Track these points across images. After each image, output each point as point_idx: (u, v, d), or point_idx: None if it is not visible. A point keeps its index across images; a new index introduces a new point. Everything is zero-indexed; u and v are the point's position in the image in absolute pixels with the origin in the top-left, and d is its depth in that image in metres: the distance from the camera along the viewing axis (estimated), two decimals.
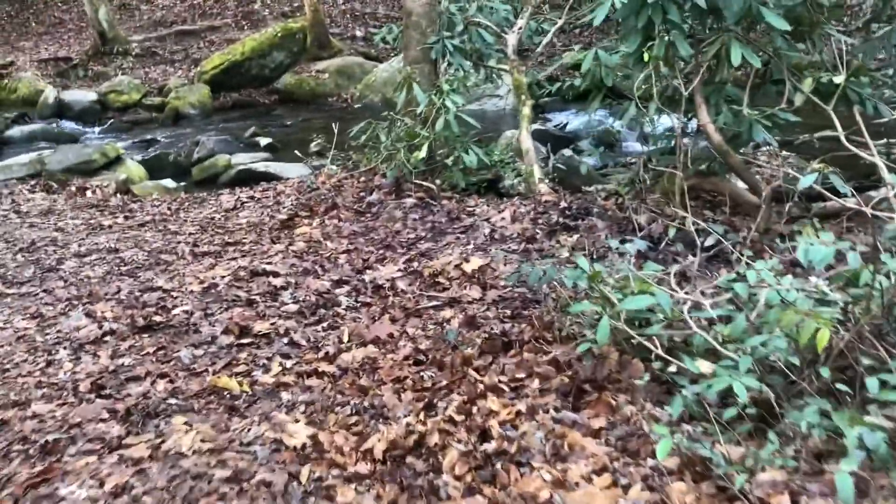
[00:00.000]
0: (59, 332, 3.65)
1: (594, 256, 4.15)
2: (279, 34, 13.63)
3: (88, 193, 7.26)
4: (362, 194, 5.61)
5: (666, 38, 4.09)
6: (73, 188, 7.33)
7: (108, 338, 3.55)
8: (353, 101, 12.92)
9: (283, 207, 5.57)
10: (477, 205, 5.12)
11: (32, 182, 7.63)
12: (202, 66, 13.53)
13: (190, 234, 5.14)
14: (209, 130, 11.61)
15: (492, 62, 6.33)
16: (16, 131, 11.32)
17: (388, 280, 4.03)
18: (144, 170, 8.65)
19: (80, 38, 16.00)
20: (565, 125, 9.87)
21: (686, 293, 3.01)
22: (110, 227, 5.43)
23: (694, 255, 4.05)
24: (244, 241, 4.89)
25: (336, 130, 6.55)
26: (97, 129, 12.22)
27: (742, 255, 4.07)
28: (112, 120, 12.52)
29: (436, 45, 5.80)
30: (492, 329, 3.34)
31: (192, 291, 4.04)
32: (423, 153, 5.23)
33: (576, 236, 4.35)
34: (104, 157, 8.05)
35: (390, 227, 4.91)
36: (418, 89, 5.48)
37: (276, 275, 4.17)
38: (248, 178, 8.60)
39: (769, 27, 4.14)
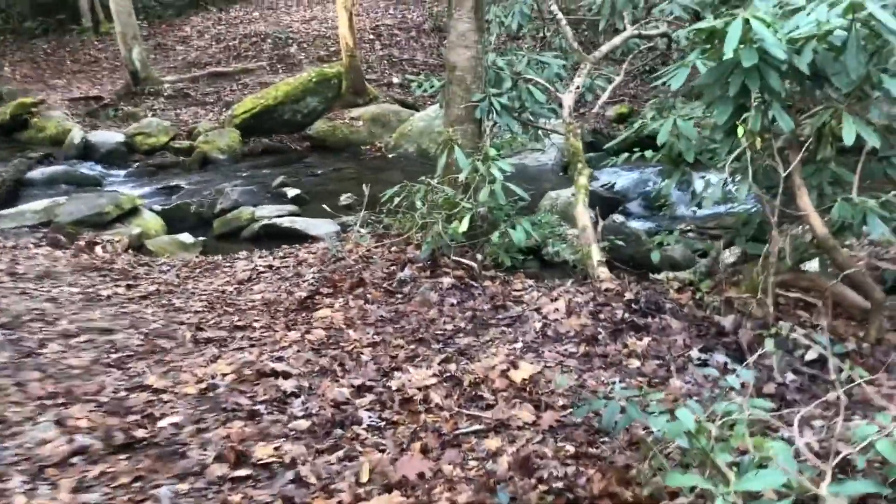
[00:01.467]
0: (20, 446, 2.99)
1: (670, 367, 3.42)
2: (314, 79, 13.23)
3: (98, 250, 6.70)
4: (393, 268, 4.95)
5: (762, 108, 3.41)
6: (83, 243, 6.78)
7: (76, 458, 2.88)
8: (387, 150, 12.39)
9: (304, 281, 4.93)
10: (525, 289, 4.43)
11: (40, 234, 7.10)
12: (233, 109, 13.14)
13: (195, 311, 4.51)
14: (236, 177, 11.13)
15: (543, 122, 5.69)
16: (37, 173, 10.92)
17: (419, 389, 3.33)
18: (162, 221, 8.12)
19: (113, 77, 15.78)
20: (613, 185, 9.18)
21: (817, 450, 2.28)
22: (109, 298, 4.82)
23: (795, 372, 3.31)
24: (255, 324, 4.23)
25: (367, 190, 5.91)
26: (122, 173, 11.80)
27: (851, 369, 3.33)
28: (138, 163, 12.10)
29: (481, 102, 5.18)
30: (551, 473, 2.62)
31: (186, 394, 3.37)
32: (463, 226, 4.56)
33: (647, 339, 3.62)
34: (118, 209, 7.52)
35: (424, 313, 4.23)
36: (460, 153, 4.85)
37: (286, 375, 3.50)
38: (273, 234, 8.05)
39: (886, 96, 3.46)
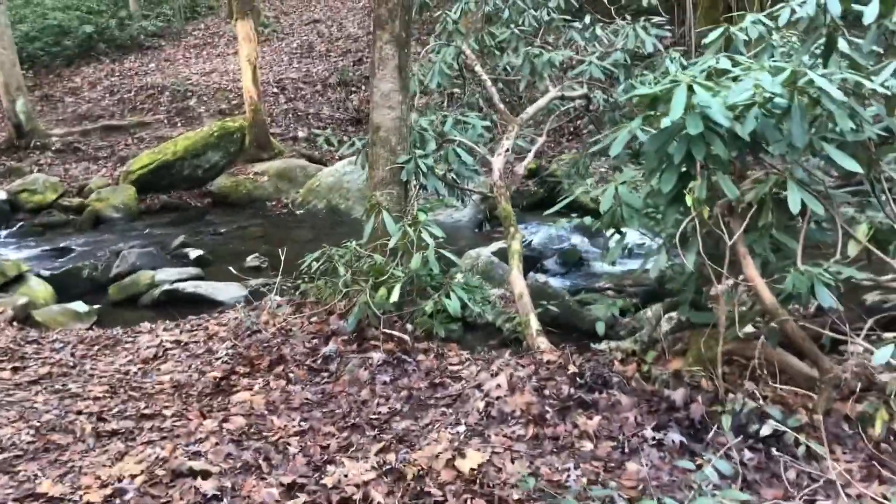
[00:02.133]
0: None
1: (625, 449, 3.23)
2: (216, 133, 12.76)
3: None
4: (315, 342, 4.60)
5: (706, 175, 3.34)
6: None
7: None
8: (294, 206, 11.98)
9: (217, 359, 4.51)
10: (462, 363, 4.17)
11: None
12: (129, 165, 12.47)
13: (95, 398, 4.01)
14: (133, 237, 10.48)
15: (470, 184, 5.53)
16: None
17: (357, 486, 3.00)
18: (52, 288, 7.44)
19: None
20: (529, 243, 9.12)
21: None
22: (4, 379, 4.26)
23: (751, 449, 3.19)
24: (166, 411, 3.79)
25: (283, 254, 5.56)
26: (3, 233, 10.91)
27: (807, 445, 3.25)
28: (22, 223, 11.23)
29: (407, 164, 4.97)
30: None
31: (88, 503, 2.92)
32: (395, 295, 4.29)
33: (597, 418, 3.43)
34: (2, 277, 6.84)
35: (355, 393, 3.91)
36: (388, 218, 4.60)
37: (206, 475, 3.10)
38: (175, 300, 7.52)
39: (828, 163, 3.47)
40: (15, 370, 4.48)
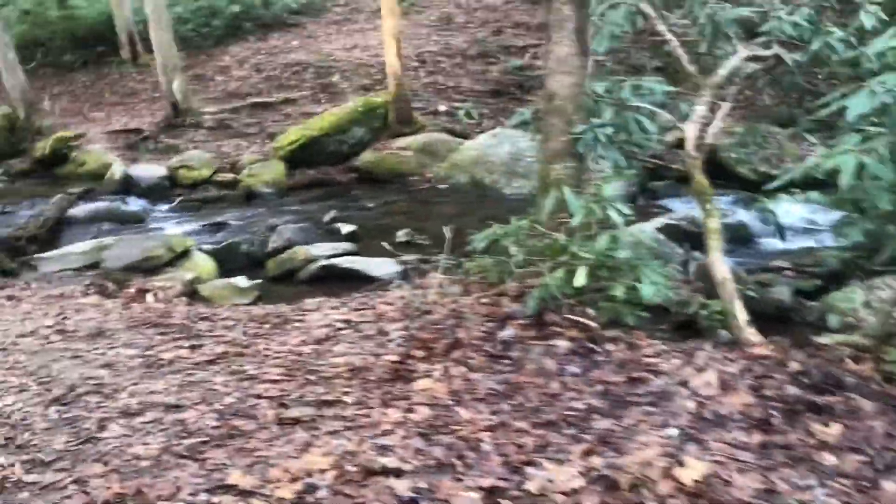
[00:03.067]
0: None
1: (876, 465, 2.75)
2: (360, 108, 12.75)
3: (149, 298, 6.18)
4: (490, 325, 4.33)
5: None
6: (133, 290, 6.26)
7: None
8: (437, 180, 11.81)
9: (390, 341, 4.32)
10: (658, 355, 3.77)
11: (87, 280, 6.60)
12: (278, 141, 12.68)
13: (273, 381, 3.91)
14: (284, 212, 10.63)
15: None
16: (79, 210, 10.50)
17: (566, 494, 2.70)
18: (214, 263, 7.59)
19: (152, 109, 15.43)
20: (694, 218, 8.50)
21: None
22: (171, 363, 4.25)
23: None
24: (345, 398, 3.62)
25: (449, 233, 5.32)
26: (165, 208, 11.36)
27: None
28: (181, 197, 11.65)
29: (584, 135, 4.58)
30: None
31: (281, 499, 2.77)
32: (579, 279, 3.93)
33: (836, 426, 2.96)
34: (170, 252, 7.02)
35: (542, 385, 3.60)
36: (570, 195, 4.23)
37: (398, 473, 2.88)
38: (331, 276, 7.50)
39: None
40: (192, 349, 4.47)
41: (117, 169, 12.15)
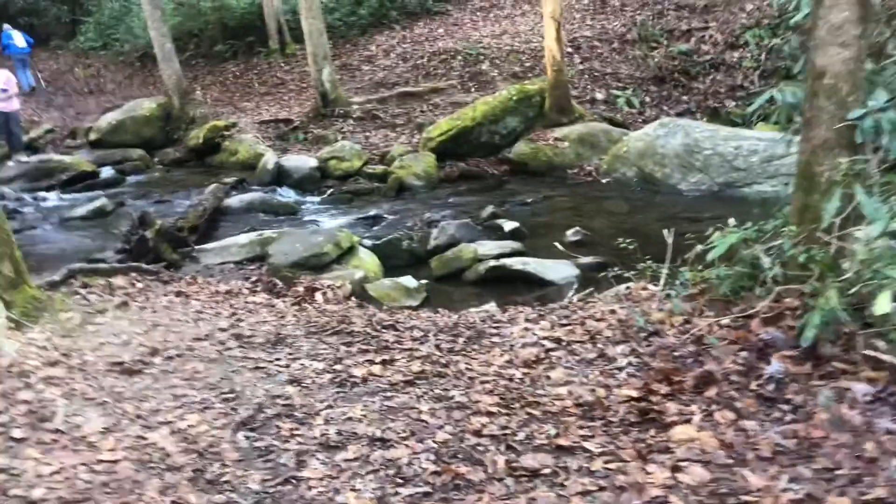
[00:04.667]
0: None
1: None
2: (514, 97, 12.09)
3: (318, 297, 5.73)
4: (743, 354, 3.53)
5: None
6: (301, 289, 5.84)
7: None
8: (598, 174, 10.99)
9: (619, 370, 3.60)
10: None
11: (252, 276, 6.25)
12: (428, 132, 12.20)
13: (488, 412, 3.28)
14: (436, 205, 10.11)
15: None
16: (234, 200, 10.39)
17: None
18: (378, 261, 7.12)
19: (301, 98, 15.38)
20: None
21: None
22: (365, 381, 3.70)
23: None
24: (588, 446, 2.94)
25: (670, 238, 4.54)
26: (317, 199, 11.11)
27: None
28: (332, 189, 11.37)
29: (863, 121, 3.67)
30: None
31: None
32: (885, 304, 3.07)
33: None
34: (337, 249, 6.58)
35: (848, 444, 2.77)
36: (866, 197, 3.36)
37: None
38: (501, 277, 6.86)
39: None
40: (384, 364, 3.91)
41: (269, 159, 12.02)
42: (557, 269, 6.91)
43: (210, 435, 3.24)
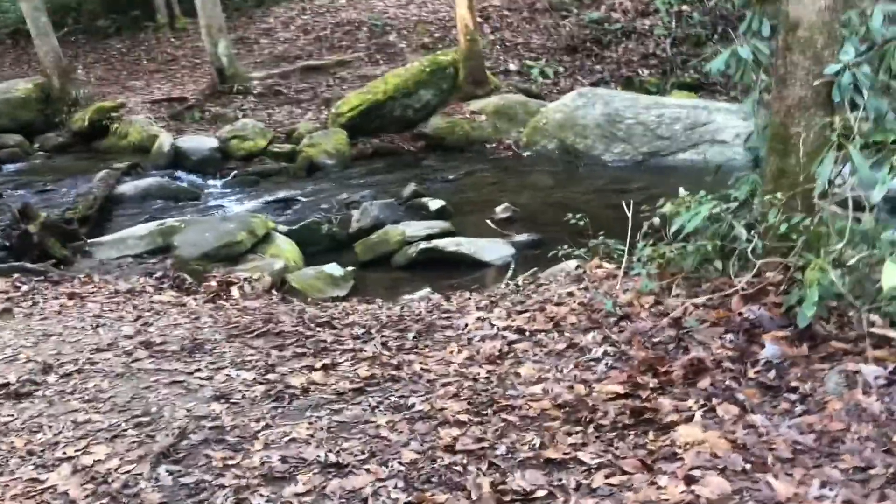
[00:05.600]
0: None
1: None
2: (427, 69, 11.57)
3: (235, 292, 5.14)
4: (729, 336, 3.20)
5: None
6: (214, 284, 5.22)
7: None
8: (518, 147, 10.64)
9: (596, 361, 3.21)
10: None
11: (157, 274, 5.55)
12: (337, 107, 11.54)
13: (457, 422, 2.82)
14: (352, 185, 9.54)
15: None
16: (128, 187, 9.48)
17: None
18: (297, 248, 6.52)
19: (195, 75, 14.36)
20: None
21: None
22: (305, 392, 3.17)
23: None
24: (581, 456, 2.52)
25: (630, 213, 4.19)
26: (219, 183, 10.31)
27: None
28: (235, 171, 10.58)
29: (840, 76, 3.38)
30: None
31: None
32: (891, 277, 2.78)
33: None
34: (252, 237, 5.95)
35: (874, 436, 2.46)
36: (862, 160, 3.06)
37: None
38: (433, 261, 6.41)
39: None
40: (325, 370, 3.39)
41: (165, 141, 11.09)
42: (493, 249, 6.51)
43: (123, 471, 2.65)
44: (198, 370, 3.47)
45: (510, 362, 3.32)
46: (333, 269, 5.89)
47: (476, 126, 11.14)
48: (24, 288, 5.18)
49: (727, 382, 2.89)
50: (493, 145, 10.85)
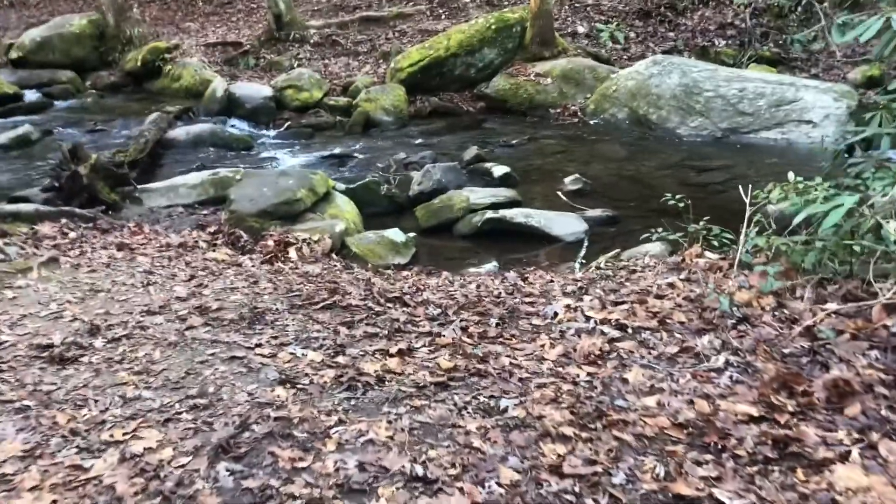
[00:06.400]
0: None
1: None
2: (492, 26, 11.02)
3: (292, 253, 4.78)
4: (875, 354, 2.74)
5: None
6: (271, 243, 4.87)
7: None
8: (585, 114, 10.09)
9: (718, 372, 2.78)
10: None
11: (211, 228, 5.22)
12: (396, 61, 11.07)
13: (561, 434, 2.42)
14: (409, 145, 9.11)
15: None
16: (180, 132, 9.16)
17: None
18: (357, 210, 6.13)
19: (251, 20, 13.98)
20: None
21: None
22: (380, 381, 2.79)
23: None
24: (716, 494, 2.11)
25: (748, 199, 3.70)
26: (272, 133, 9.97)
27: None
28: (289, 122, 10.22)
29: None
30: None
31: None
32: None
33: None
34: (312, 195, 5.58)
35: None
36: None
37: None
38: (500, 231, 5.98)
39: None
40: (401, 355, 3.00)
41: (219, 86, 10.73)
42: (564, 223, 6.06)
43: (177, 465, 2.31)
44: (258, 345, 3.11)
45: (613, 364, 2.90)
46: (395, 234, 5.49)
47: (541, 89, 10.60)
48: (72, 235, 4.88)
49: (882, 412, 2.44)
50: (558, 111, 10.32)
